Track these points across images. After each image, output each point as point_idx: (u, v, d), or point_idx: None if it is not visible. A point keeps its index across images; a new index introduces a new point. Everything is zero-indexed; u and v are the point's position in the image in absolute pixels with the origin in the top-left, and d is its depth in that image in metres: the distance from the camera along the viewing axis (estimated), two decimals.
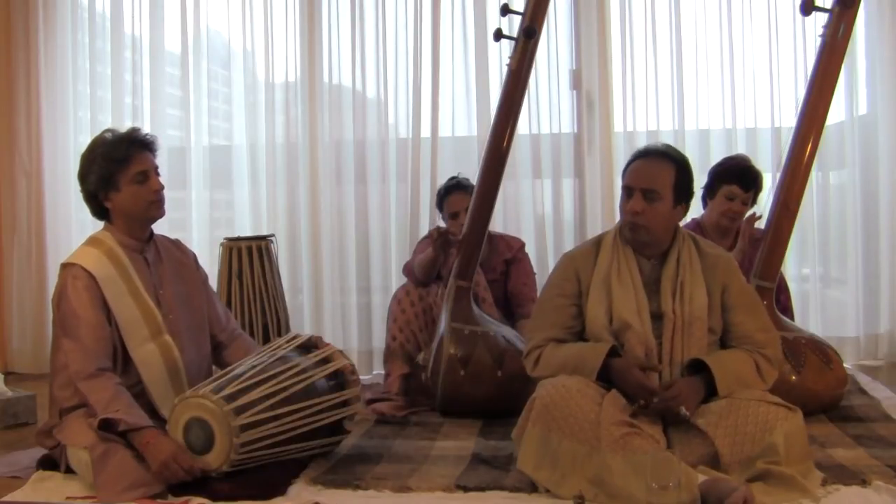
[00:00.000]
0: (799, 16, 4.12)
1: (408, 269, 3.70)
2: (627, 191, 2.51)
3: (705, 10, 4.36)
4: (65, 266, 2.57)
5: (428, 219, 4.37)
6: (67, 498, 2.37)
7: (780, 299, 3.44)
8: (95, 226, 2.73)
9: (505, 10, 3.59)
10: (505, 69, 3.55)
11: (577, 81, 4.42)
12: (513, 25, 3.91)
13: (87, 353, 2.45)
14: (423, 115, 4.43)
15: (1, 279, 4.66)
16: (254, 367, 2.51)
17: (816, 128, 3.26)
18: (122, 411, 2.37)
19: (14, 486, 2.50)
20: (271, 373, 2.49)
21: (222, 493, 2.30)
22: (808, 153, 3.25)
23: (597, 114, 4.40)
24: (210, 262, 4.29)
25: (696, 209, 3.80)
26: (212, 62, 4.72)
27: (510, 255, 3.78)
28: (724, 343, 2.56)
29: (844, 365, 3.38)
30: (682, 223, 2.73)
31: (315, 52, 4.48)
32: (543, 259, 4.33)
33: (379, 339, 4.17)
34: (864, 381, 3.73)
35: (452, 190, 3.75)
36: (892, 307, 4.30)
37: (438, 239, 3.42)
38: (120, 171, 2.55)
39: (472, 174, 3.71)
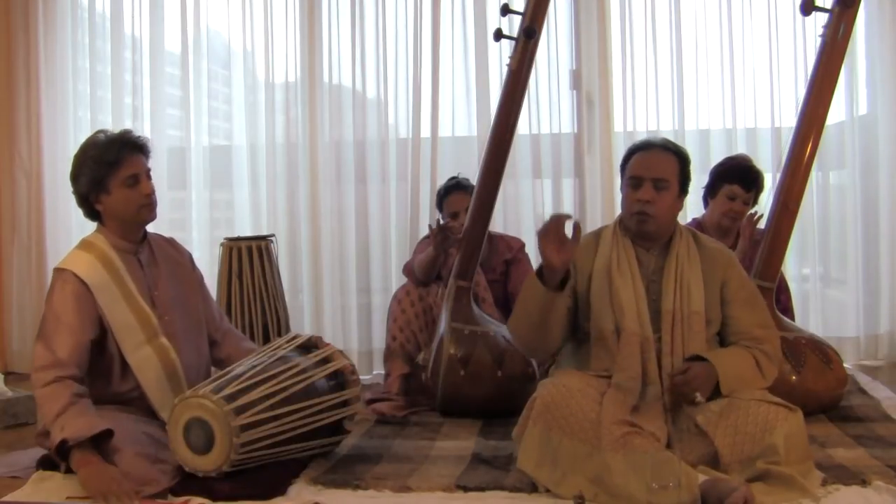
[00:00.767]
0: (799, 16, 4.12)
1: (408, 269, 3.70)
2: (635, 181, 2.50)
3: (705, 10, 4.36)
4: (57, 271, 2.55)
5: (428, 219, 4.36)
6: (67, 498, 2.36)
7: (780, 299, 3.44)
8: (94, 226, 2.72)
9: (505, 10, 3.59)
10: (505, 69, 3.55)
11: (577, 81, 4.42)
12: (513, 25, 3.91)
13: (54, 360, 2.41)
14: (423, 115, 4.42)
15: (1, 279, 4.66)
16: (254, 367, 2.51)
17: (816, 128, 3.26)
18: (66, 428, 2.29)
19: (14, 486, 2.49)
20: (271, 373, 2.49)
21: (222, 493, 2.30)
22: (808, 153, 3.26)
23: (597, 114, 4.40)
24: (210, 262, 4.30)
25: (696, 209, 3.82)
26: (212, 62, 4.71)
27: (510, 255, 3.79)
28: (722, 338, 2.57)
29: (844, 365, 3.38)
30: (683, 223, 2.73)
31: (315, 52, 4.48)
32: None
33: (379, 340, 4.17)
34: (864, 381, 3.73)
35: (452, 190, 3.75)
36: (892, 307, 4.30)
37: (439, 234, 3.41)
38: (110, 174, 2.53)
39: (472, 174, 3.71)
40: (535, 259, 4.08)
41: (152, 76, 4.60)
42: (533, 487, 2.34)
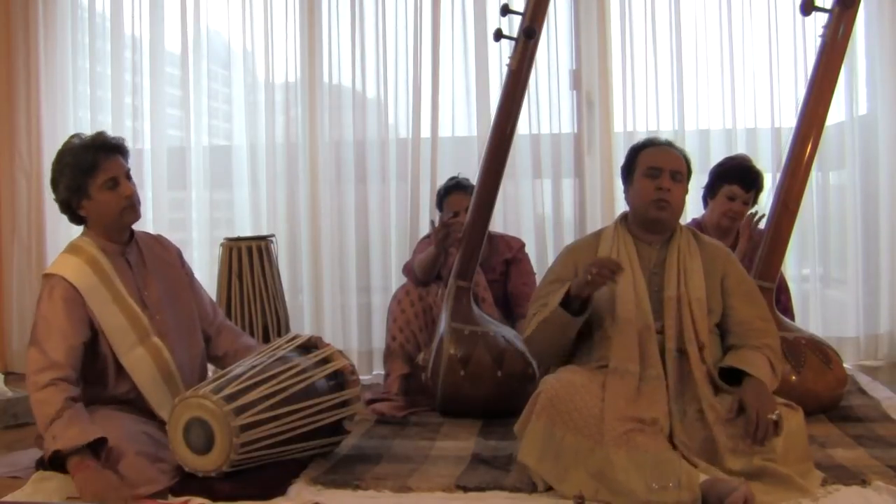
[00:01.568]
0: (799, 16, 4.12)
1: (408, 269, 3.70)
2: (654, 171, 2.57)
3: (705, 10, 4.36)
4: (45, 276, 2.54)
5: (428, 219, 4.37)
6: (67, 498, 2.36)
7: (780, 299, 3.44)
8: None
9: (505, 10, 3.59)
10: (505, 69, 3.54)
11: (577, 81, 4.42)
12: (513, 25, 3.91)
13: (48, 362, 2.39)
14: (423, 115, 4.42)
15: (1, 279, 4.66)
16: (253, 367, 2.51)
17: (816, 128, 3.26)
18: (58, 438, 2.27)
19: (14, 486, 2.50)
20: (271, 373, 2.49)
21: (222, 493, 2.31)
22: (808, 153, 3.25)
23: (597, 114, 4.40)
24: (210, 262, 4.30)
25: (696, 209, 3.82)
26: (212, 62, 4.71)
27: (510, 255, 3.79)
28: (723, 331, 2.58)
29: (844, 365, 3.38)
30: (682, 223, 2.75)
31: (315, 52, 4.48)
32: (543, 259, 4.32)
33: (379, 339, 4.17)
34: (864, 381, 3.73)
35: (452, 190, 3.75)
36: (892, 307, 4.30)
37: (441, 230, 3.41)
38: (88, 179, 2.50)
39: (472, 174, 3.71)
40: (535, 259, 4.09)
41: (152, 76, 4.60)
42: (533, 487, 2.34)
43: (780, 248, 3.28)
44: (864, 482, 2.33)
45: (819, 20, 3.30)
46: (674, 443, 2.34)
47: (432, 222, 3.65)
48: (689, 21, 4.36)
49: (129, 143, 2.68)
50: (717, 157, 3.92)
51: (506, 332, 3.38)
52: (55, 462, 2.31)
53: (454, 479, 2.45)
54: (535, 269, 3.92)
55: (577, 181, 4.44)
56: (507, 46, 3.80)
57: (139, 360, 2.55)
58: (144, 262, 2.69)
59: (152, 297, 2.65)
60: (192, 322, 2.76)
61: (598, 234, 2.70)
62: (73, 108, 4.66)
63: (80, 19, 4.68)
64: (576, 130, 4.44)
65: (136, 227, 2.73)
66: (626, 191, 2.69)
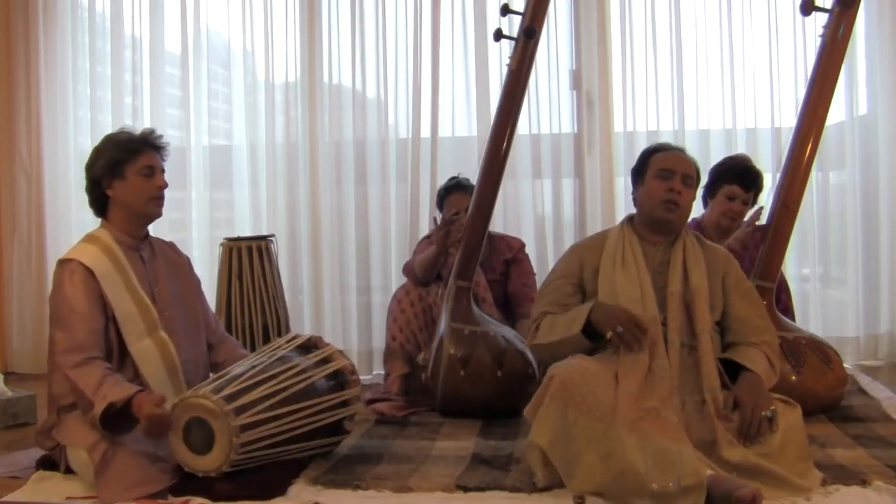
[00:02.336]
0: (799, 16, 4.12)
1: (408, 269, 3.70)
2: (666, 173, 2.61)
3: (705, 10, 4.37)
4: (62, 262, 2.57)
5: (428, 219, 4.37)
6: (67, 498, 2.37)
7: (780, 299, 3.44)
8: (95, 226, 2.73)
9: (505, 10, 3.59)
10: (505, 69, 3.55)
11: (577, 81, 4.42)
12: (513, 25, 3.91)
13: (77, 343, 2.45)
14: (423, 115, 4.43)
15: (1, 279, 4.66)
16: (254, 367, 2.51)
17: (816, 128, 3.27)
18: (108, 395, 2.35)
19: (14, 486, 2.50)
20: (271, 373, 2.49)
21: (222, 493, 2.31)
22: (808, 153, 3.26)
23: (597, 114, 4.40)
24: (210, 262, 4.30)
25: (696, 209, 3.81)
26: (212, 62, 4.71)
27: (510, 255, 3.78)
28: (723, 329, 2.60)
29: (844, 365, 3.38)
30: None
31: (315, 52, 4.48)
32: (543, 259, 4.33)
33: (379, 339, 4.17)
34: (864, 381, 3.73)
35: (453, 190, 3.75)
36: (892, 307, 4.30)
37: (442, 228, 3.41)
38: (129, 160, 2.59)
39: (472, 174, 3.71)
40: (535, 259, 4.09)
41: (152, 76, 4.60)
42: (533, 487, 2.34)
43: (781, 248, 3.29)
44: (864, 482, 2.33)
45: (819, 20, 3.30)
46: None
47: (434, 219, 3.65)
48: (689, 21, 4.37)
49: None
50: (717, 157, 3.92)
51: (506, 332, 3.38)
52: (105, 421, 2.35)
53: (454, 479, 2.45)
54: (535, 269, 3.92)
55: (577, 181, 4.44)
56: (507, 46, 3.80)
57: (146, 351, 2.57)
58: (157, 259, 2.73)
59: (162, 294, 2.68)
60: (197, 324, 2.79)
61: (604, 234, 2.74)
62: (73, 108, 4.66)
63: (80, 19, 4.69)
64: (576, 130, 4.44)
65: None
66: (634, 192, 2.72)
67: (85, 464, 2.39)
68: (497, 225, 4.18)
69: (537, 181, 4.42)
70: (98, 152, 2.64)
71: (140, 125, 4.51)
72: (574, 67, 4.43)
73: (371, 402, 3.39)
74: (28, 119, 4.60)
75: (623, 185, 4.39)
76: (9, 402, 3.33)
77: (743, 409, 2.33)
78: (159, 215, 2.69)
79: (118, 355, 2.56)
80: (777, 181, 3.43)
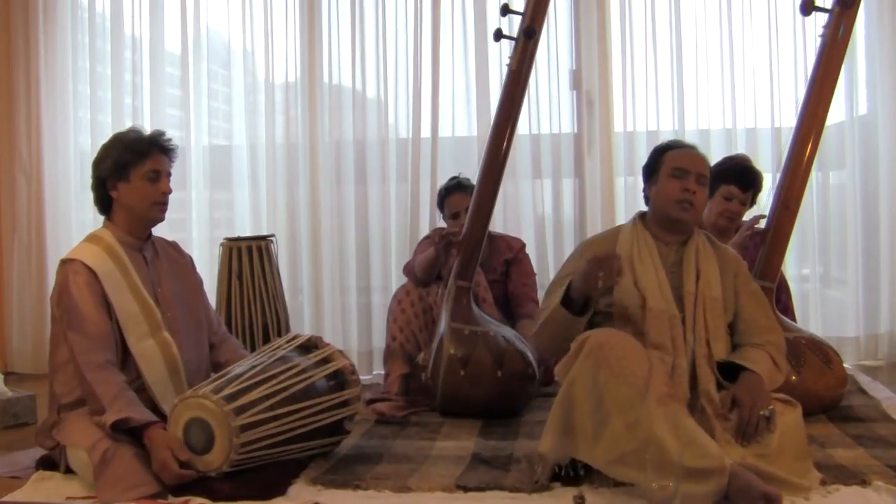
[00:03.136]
0: (799, 16, 4.12)
1: (408, 269, 3.70)
2: (681, 172, 2.58)
3: (705, 10, 4.37)
4: (64, 262, 2.56)
5: (428, 219, 4.37)
6: (67, 498, 2.37)
7: (780, 299, 3.44)
8: (95, 226, 2.73)
9: (505, 10, 3.59)
10: (505, 69, 3.55)
11: (577, 81, 4.42)
12: (513, 25, 3.91)
13: (94, 344, 2.45)
14: (423, 115, 4.43)
15: (1, 279, 4.66)
16: (254, 367, 2.51)
17: (816, 128, 3.26)
18: (125, 411, 2.37)
19: (14, 486, 2.50)
20: (271, 373, 2.49)
21: (222, 493, 2.30)
22: (808, 153, 3.25)
23: (597, 114, 4.40)
24: (210, 262, 4.30)
25: None
26: (212, 62, 4.71)
27: (511, 255, 3.79)
28: (731, 329, 2.59)
29: (844, 365, 3.38)
30: None
31: (315, 52, 4.48)
32: (543, 259, 4.33)
33: (379, 339, 4.17)
34: (864, 381, 3.73)
35: (453, 190, 3.75)
36: (892, 307, 4.30)
37: (441, 241, 3.41)
38: (135, 162, 2.58)
39: (472, 174, 3.71)
40: (535, 259, 4.09)
41: (152, 76, 4.60)
42: (533, 487, 2.34)
43: (781, 247, 3.28)
44: (864, 482, 2.33)
45: (819, 20, 3.30)
46: None
47: (440, 229, 3.61)
48: (689, 21, 4.37)
49: None
50: (717, 157, 3.89)
51: (506, 332, 3.38)
52: (116, 427, 2.36)
53: (454, 479, 2.45)
54: (535, 269, 3.92)
55: (577, 181, 4.44)
56: (507, 46, 3.80)
57: (149, 351, 2.57)
58: (160, 260, 2.73)
59: (165, 294, 2.68)
60: (200, 325, 2.79)
61: (616, 230, 2.71)
62: (73, 108, 4.67)
63: (80, 19, 4.69)
64: (576, 130, 4.44)
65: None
66: (646, 190, 2.69)
67: (84, 464, 2.39)
68: (497, 225, 4.18)
69: (537, 181, 4.42)
70: (106, 151, 2.63)
71: (140, 125, 4.52)
72: (574, 67, 4.43)
73: (371, 402, 3.39)
74: (28, 119, 4.60)
75: (623, 185, 4.40)
76: (9, 402, 3.33)
77: (741, 408, 2.33)
78: (161, 220, 2.68)
79: (120, 355, 2.55)
80: (777, 181, 3.43)
